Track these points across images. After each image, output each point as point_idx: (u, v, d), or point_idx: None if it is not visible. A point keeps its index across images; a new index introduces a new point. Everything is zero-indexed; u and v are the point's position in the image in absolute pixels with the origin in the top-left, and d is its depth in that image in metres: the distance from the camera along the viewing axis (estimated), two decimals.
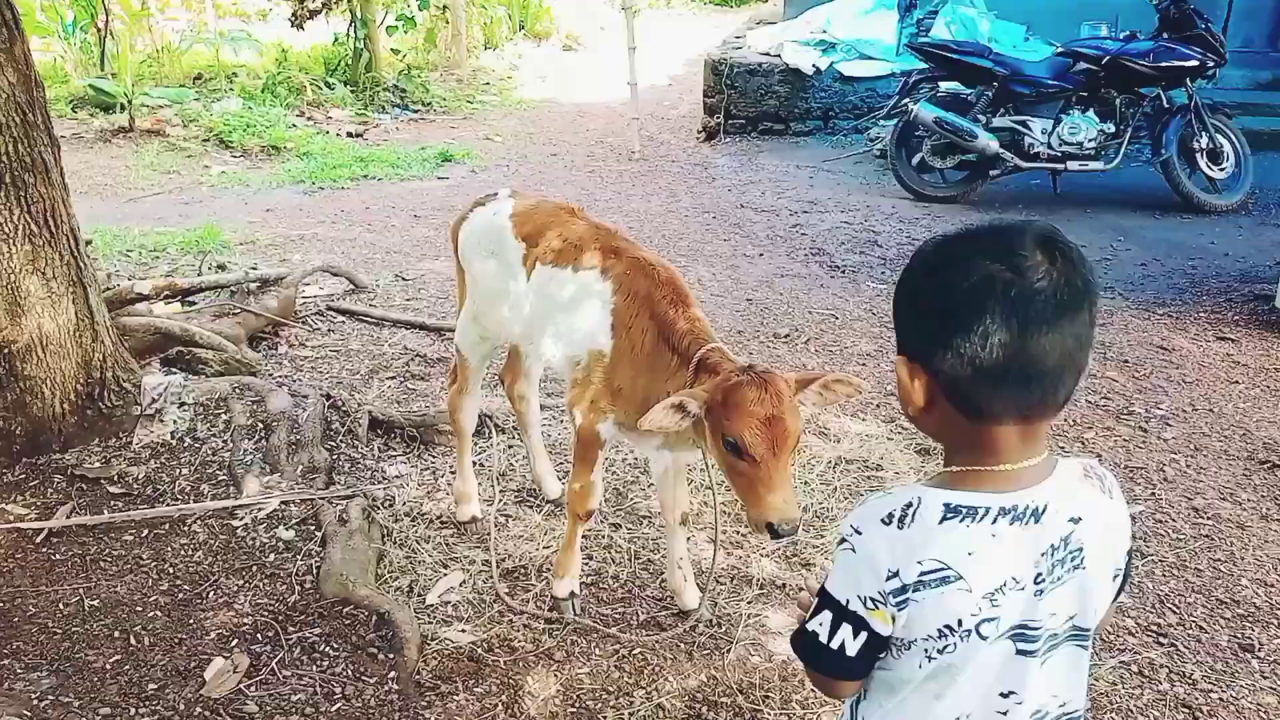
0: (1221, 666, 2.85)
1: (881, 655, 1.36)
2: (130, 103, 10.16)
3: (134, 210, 8.17)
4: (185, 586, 3.11)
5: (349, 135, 10.63)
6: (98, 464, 3.64)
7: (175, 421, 3.83)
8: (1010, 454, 1.29)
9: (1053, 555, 1.29)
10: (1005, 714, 1.35)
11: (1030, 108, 7.91)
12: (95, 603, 3.03)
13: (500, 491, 3.72)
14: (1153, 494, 3.82)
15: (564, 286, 2.89)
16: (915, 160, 8.15)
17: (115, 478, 3.60)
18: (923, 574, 1.27)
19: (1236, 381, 4.85)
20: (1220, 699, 2.72)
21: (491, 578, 3.19)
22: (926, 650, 1.32)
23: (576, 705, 2.69)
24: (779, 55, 10.18)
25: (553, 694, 2.73)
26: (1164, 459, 4.09)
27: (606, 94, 12.89)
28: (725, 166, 9.71)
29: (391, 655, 2.81)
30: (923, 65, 8.19)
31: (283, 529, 3.37)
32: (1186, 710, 2.68)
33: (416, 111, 11.94)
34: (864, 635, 1.32)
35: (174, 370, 4.16)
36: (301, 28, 12.06)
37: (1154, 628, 3.02)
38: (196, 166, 9.60)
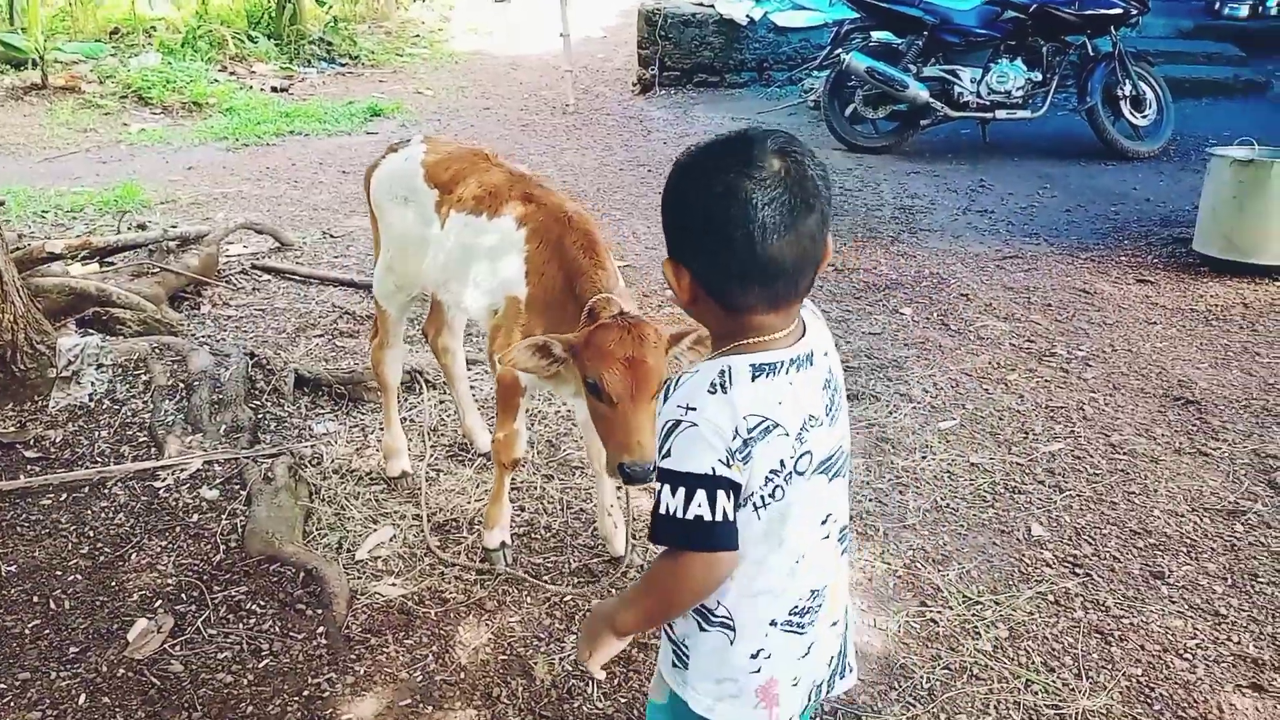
0: (1133, 593, 2.95)
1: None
2: (42, 59, 9.77)
3: (49, 170, 7.89)
4: (106, 549, 3.05)
5: (273, 90, 10.36)
6: (12, 429, 3.55)
7: (93, 384, 3.73)
8: (772, 329, 1.44)
9: (827, 386, 1.49)
10: (826, 538, 1.54)
11: (960, 57, 7.97)
12: (12, 568, 2.95)
13: (431, 447, 3.70)
14: (1072, 432, 3.91)
15: (480, 234, 2.85)
16: (848, 111, 8.17)
17: (31, 442, 3.50)
18: (752, 428, 1.39)
19: (1154, 323, 4.98)
20: (1131, 624, 2.82)
21: (423, 532, 3.18)
22: (758, 504, 1.44)
23: (508, 653, 2.70)
24: (713, 6, 10.10)
25: (484, 643, 2.73)
26: (1084, 398, 4.19)
27: (540, 46, 12.71)
28: (660, 119, 9.65)
29: (320, 611, 2.79)
30: (854, 15, 8.19)
31: (206, 489, 3.31)
32: (1099, 636, 2.77)
33: (344, 65, 11.66)
34: (733, 493, 1.41)
35: (90, 331, 4.05)
36: None
37: (1070, 559, 3.11)
38: (115, 124, 9.29)
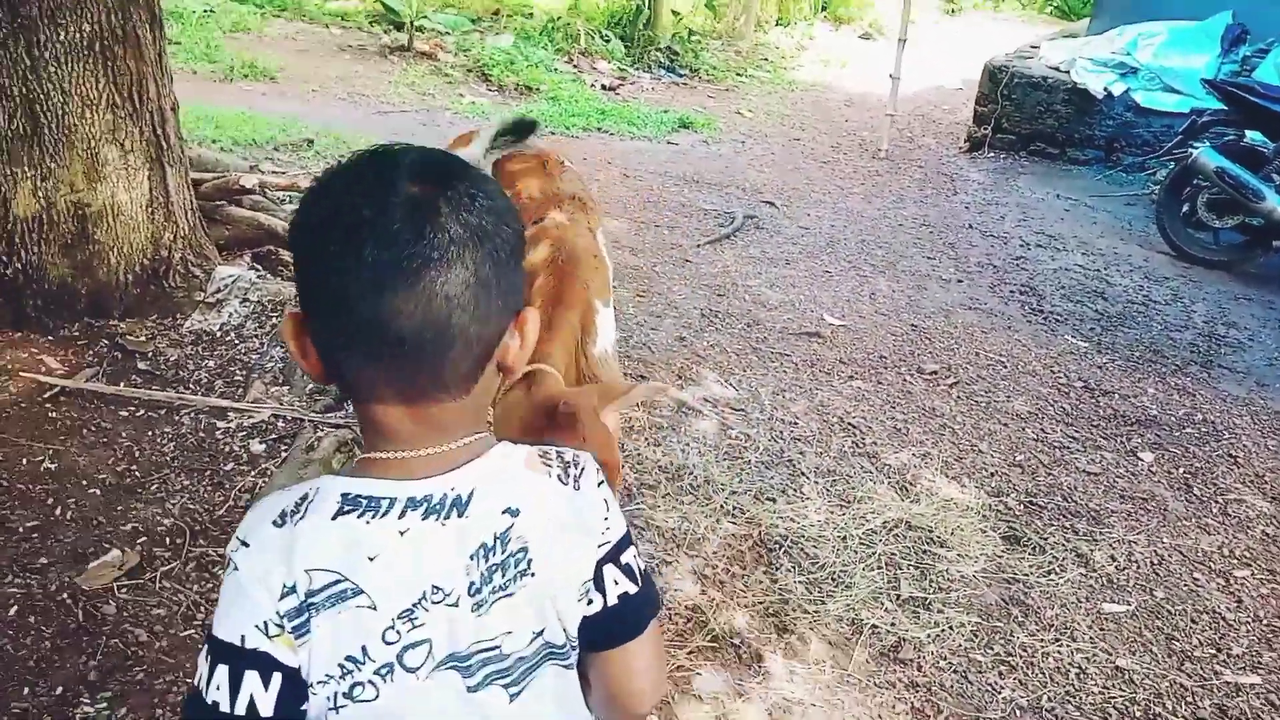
0: None
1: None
2: (412, 24, 10.68)
3: (375, 121, 8.55)
4: (136, 473, 3.09)
5: (602, 88, 10.64)
6: (142, 338, 3.73)
7: (230, 315, 3.86)
8: (403, 439, 1.02)
9: (487, 557, 1.03)
10: None
11: None
12: (52, 466, 3.06)
13: None
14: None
15: None
16: (1186, 213, 6.95)
17: (150, 354, 3.66)
18: (316, 589, 0.98)
19: None
20: None
21: None
22: (333, 699, 1.00)
23: None
24: (1068, 73, 9.05)
25: None
26: None
27: (885, 87, 12.12)
28: (974, 182, 8.80)
29: None
30: (1220, 106, 6.94)
31: (256, 442, 3.28)
32: None
33: (681, 76, 11.77)
34: (278, 678, 0.98)
35: (258, 267, 4.20)
36: None
37: None
38: (452, 93, 9.95)
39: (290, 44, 10.83)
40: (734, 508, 3.51)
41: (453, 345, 0.98)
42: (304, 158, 6.94)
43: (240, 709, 0.97)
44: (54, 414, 3.29)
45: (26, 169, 3.47)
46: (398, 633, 1.00)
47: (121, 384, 3.48)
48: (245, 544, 1.01)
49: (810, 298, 5.85)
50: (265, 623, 0.97)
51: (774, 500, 3.61)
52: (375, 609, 0.98)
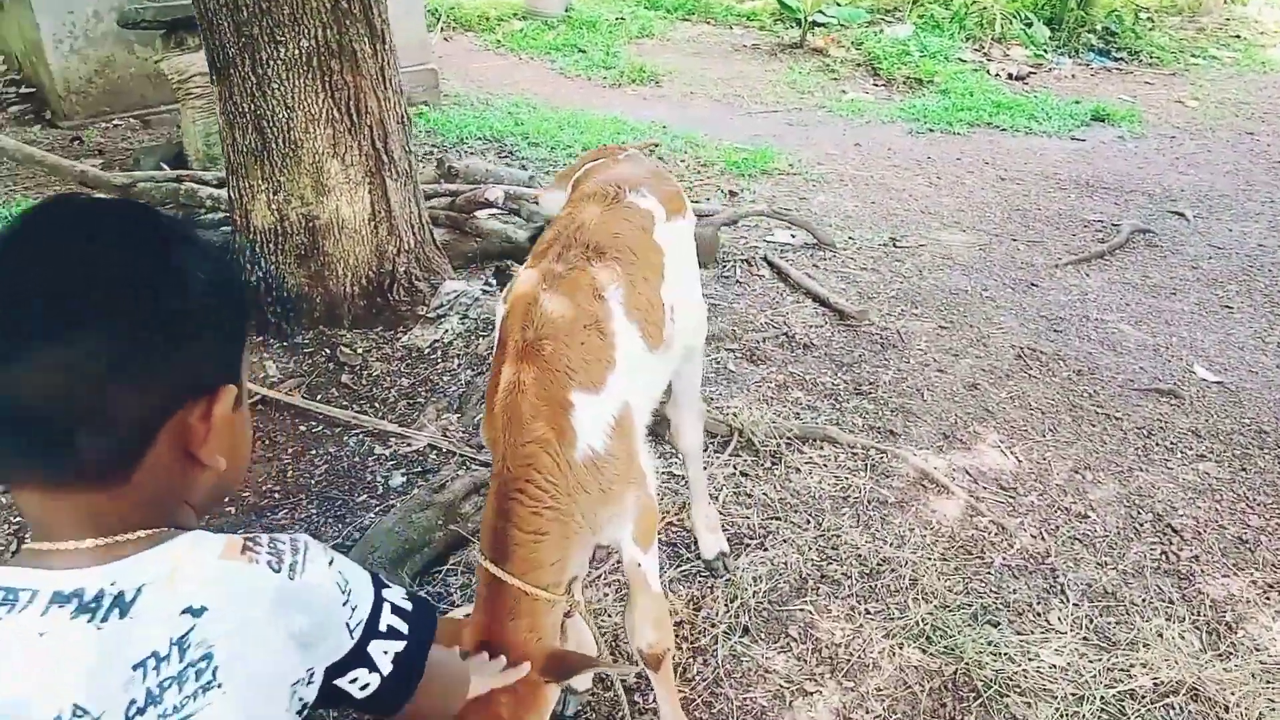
0: None
1: None
2: (806, 20, 10.25)
3: (739, 123, 8.28)
4: (276, 494, 3.05)
5: (1009, 77, 9.40)
6: (358, 351, 3.75)
7: (445, 332, 3.76)
8: (48, 529, 0.89)
9: (159, 669, 0.84)
10: None
11: None
12: None
13: None
14: None
15: None
16: None
17: (357, 368, 3.67)
18: None
19: None
20: None
21: None
22: None
23: None
24: None
25: None
26: None
27: None
28: None
29: None
30: None
31: (400, 473, 3.10)
32: None
33: (1116, 60, 10.08)
34: None
35: (492, 282, 4.08)
36: None
37: None
38: (834, 90, 9.37)
39: (688, 46, 10.91)
40: (934, 629, 2.70)
41: (102, 425, 0.86)
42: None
43: None
44: None
45: (260, 183, 3.62)
46: None
47: (319, 397, 3.51)
48: None
49: (1185, 341, 4.54)
50: None
51: (997, 625, 2.73)
52: None
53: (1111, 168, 7.19)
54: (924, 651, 2.62)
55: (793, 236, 5.53)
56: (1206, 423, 3.84)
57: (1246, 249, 5.71)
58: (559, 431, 1.76)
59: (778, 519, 3.08)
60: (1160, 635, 2.72)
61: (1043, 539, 3.12)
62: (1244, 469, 3.56)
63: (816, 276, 4.90)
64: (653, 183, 2.30)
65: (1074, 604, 2.83)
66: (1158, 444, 3.70)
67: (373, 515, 2.93)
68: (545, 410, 1.75)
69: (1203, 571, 3.01)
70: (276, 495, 3.04)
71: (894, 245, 5.55)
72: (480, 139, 7.05)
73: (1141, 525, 3.22)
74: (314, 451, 3.24)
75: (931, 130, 8.16)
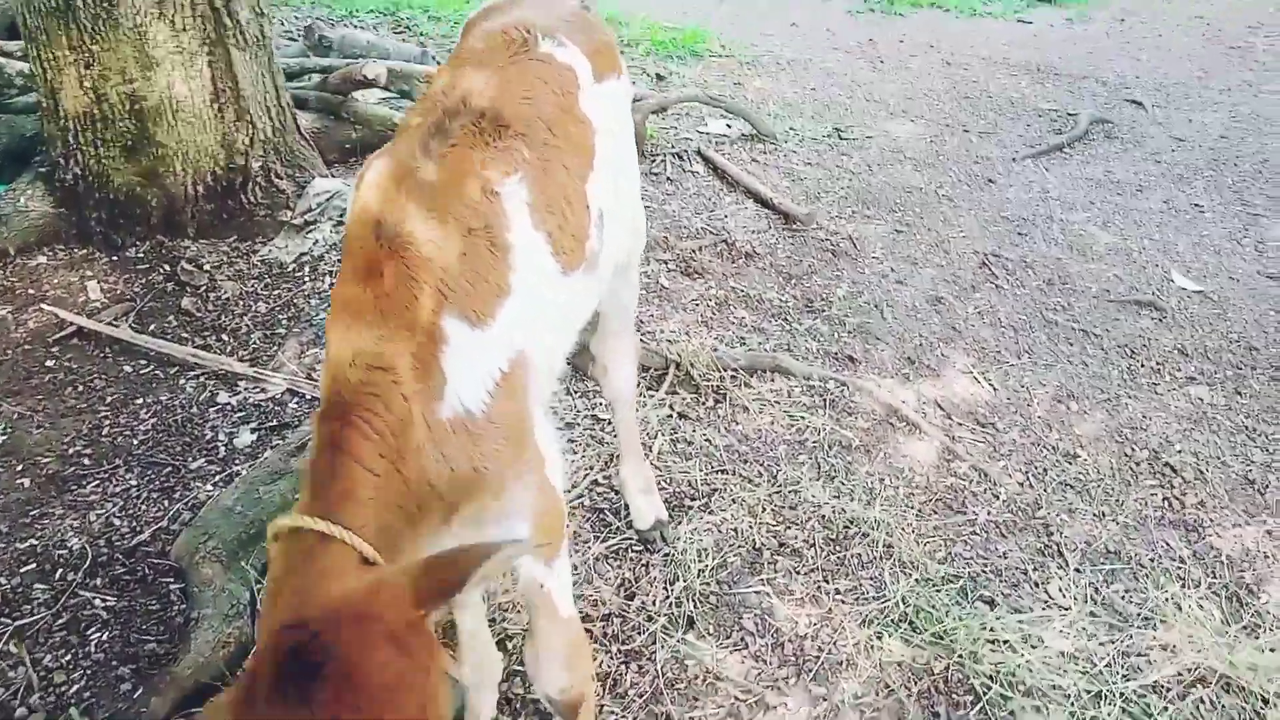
0: None
1: None
2: None
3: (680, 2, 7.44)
4: (85, 460, 2.39)
5: None
6: (203, 269, 3.04)
7: (316, 242, 3.07)
8: None
9: None
10: None
11: None
12: (2, 440, 2.44)
13: None
14: None
15: None
16: None
17: (203, 289, 2.97)
18: None
19: None
20: None
21: None
22: None
23: None
24: None
25: None
26: None
27: None
28: None
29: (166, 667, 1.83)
30: None
31: (249, 429, 2.46)
32: None
33: None
34: None
35: None
36: None
37: None
38: None
39: None
40: (917, 611, 2.21)
41: None
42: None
43: None
44: (51, 362, 2.68)
45: (68, 53, 2.83)
46: None
47: (152, 328, 2.81)
48: None
49: (1158, 244, 4.08)
50: None
51: (993, 604, 2.25)
52: None
53: (1061, 52, 6.67)
54: (907, 642, 2.14)
55: (728, 126, 4.88)
56: (1192, 339, 3.41)
57: (1209, 141, 5.26)
58: (420, 367, 1.16)
59: (724, 472, 2.54)
60: (1179, 607, 2.28)
61: (1030, 486, 2.65)
62: (1239, 393, 3.14)
63: (756, 173, 4.29)
64: (575, 29, 1.66)
65: (1075, 569, 2.38)
66: (1143, 365, 3.25)
67: (210, 488, 2.29)
68: (403, 335, 1.15)
69: (1211, 521, 2.58)
70: (86, 461, 2.37)
71: (839, 137, 4.96)
72: (372, 11, 6.16)
73: (1138, 465, 2.77)
74: (140, 401, 2.56)
75: (872, 10, 7.55)
